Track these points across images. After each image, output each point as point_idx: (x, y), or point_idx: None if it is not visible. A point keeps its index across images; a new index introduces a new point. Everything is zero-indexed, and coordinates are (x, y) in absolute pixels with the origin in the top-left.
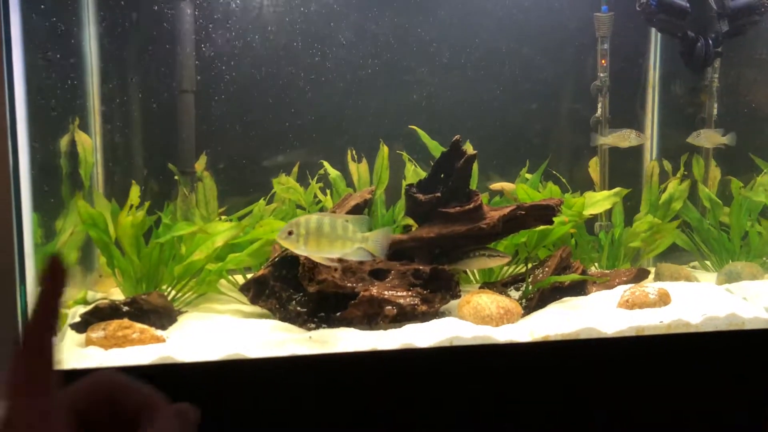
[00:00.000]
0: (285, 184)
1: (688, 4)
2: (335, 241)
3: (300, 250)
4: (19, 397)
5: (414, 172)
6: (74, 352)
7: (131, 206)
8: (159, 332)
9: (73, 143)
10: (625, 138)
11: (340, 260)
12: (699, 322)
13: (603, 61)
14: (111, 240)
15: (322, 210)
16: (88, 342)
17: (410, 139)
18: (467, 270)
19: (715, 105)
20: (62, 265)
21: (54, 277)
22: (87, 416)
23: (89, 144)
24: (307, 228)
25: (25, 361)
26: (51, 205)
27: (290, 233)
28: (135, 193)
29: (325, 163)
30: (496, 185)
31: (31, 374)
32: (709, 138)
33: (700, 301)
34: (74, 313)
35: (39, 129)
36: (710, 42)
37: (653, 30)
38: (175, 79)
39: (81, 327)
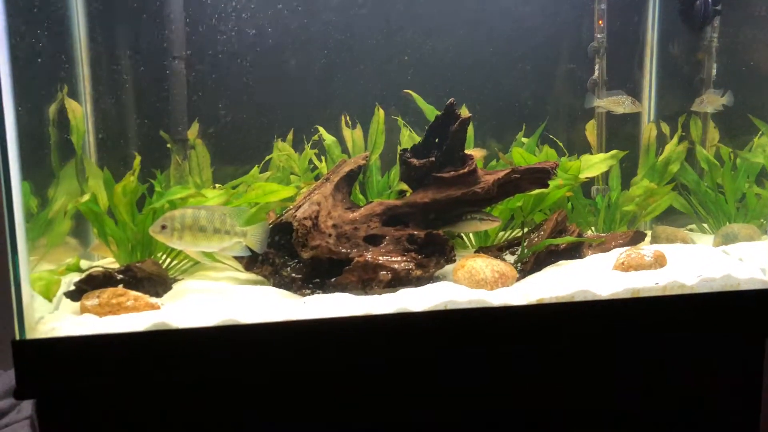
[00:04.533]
0: (282, 151)
1: None
2: (213, 235)
3: (174, 244)
4: None
5: (409, 137)
6: (69, 319)
7: (133, 172)
8: (153, 300)
9: (62, 111)
10: (620, 103)
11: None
12: (694, 284)
13: (600, 22)
14: (100, 210)
15: (317, 178)
16: (83, 310)
17: (405, 104)
18: (462, 235)
19: (714, 65)
20: None
21: None
22: None
23: (80, 112)
24: (183, 222)
25: None
26: (42, 174)
27: (163, 227)
28: (136, 162)
29: (321, 129)
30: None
31: None
32: (711, 102)
33: (696, 263)
34: (69, 282)
35: (26, 97)
36: (709, 0)
37: None
38: (166, 46)
39: (75, 295)
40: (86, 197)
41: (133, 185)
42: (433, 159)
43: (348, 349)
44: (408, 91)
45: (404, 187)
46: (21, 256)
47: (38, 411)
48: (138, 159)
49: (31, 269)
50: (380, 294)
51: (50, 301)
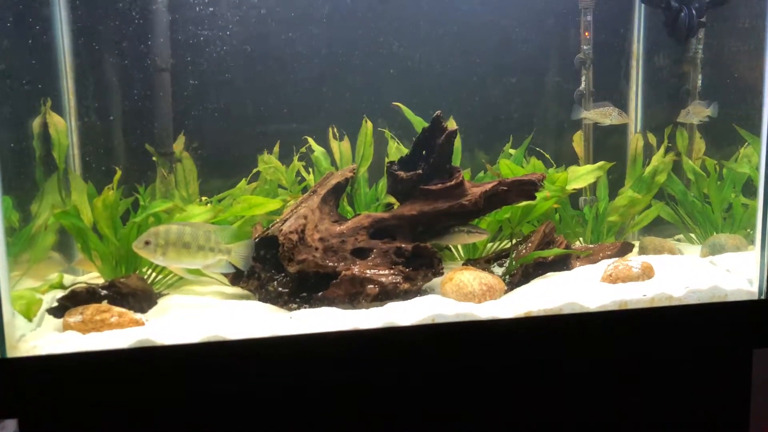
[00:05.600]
0: (268, 163)
1: None
2: (197, 252)
3: (158, 260)
4: None
5: (397, 150)
6: (51, 337)
7: (113, 187)
8: (138, 315)
9: (45, 125)
10: (607, 115)
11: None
12: (682, 295)
13: (586, 33)
14: (84, 224)
15: (305, 190)
16: (66, 327)
17: (393, 115)
18: (451, 247)
19: (699, 76)
20: None
21: None
22: None
23: (62, 125)
24: (167, 238)
25: None
26: (25, 189)
27: (147, 243)
28: (116, 176)
29: (310, 140)
30: None
31: None
32: (696, 113)
33: (684, 273)
34: (51, 298)
35: (8, 111)
36: (694, 12)
37: (637, 1)
38: (151, 58)
39: (58, 312)
40: (61, 209)
41: (113, 199)
42: (421, 171)
43: (335, 364)
44: (397, 103)
45: (392, 199)
46: (1, 273)
47: (21, 430)
48: (119, 173)
49: (13, 285)
50: (368, 308)
51: (30, 320)
